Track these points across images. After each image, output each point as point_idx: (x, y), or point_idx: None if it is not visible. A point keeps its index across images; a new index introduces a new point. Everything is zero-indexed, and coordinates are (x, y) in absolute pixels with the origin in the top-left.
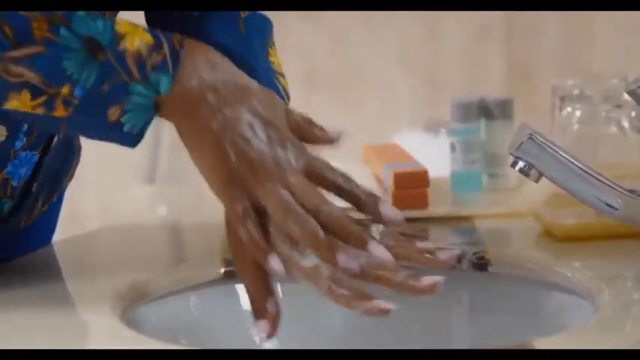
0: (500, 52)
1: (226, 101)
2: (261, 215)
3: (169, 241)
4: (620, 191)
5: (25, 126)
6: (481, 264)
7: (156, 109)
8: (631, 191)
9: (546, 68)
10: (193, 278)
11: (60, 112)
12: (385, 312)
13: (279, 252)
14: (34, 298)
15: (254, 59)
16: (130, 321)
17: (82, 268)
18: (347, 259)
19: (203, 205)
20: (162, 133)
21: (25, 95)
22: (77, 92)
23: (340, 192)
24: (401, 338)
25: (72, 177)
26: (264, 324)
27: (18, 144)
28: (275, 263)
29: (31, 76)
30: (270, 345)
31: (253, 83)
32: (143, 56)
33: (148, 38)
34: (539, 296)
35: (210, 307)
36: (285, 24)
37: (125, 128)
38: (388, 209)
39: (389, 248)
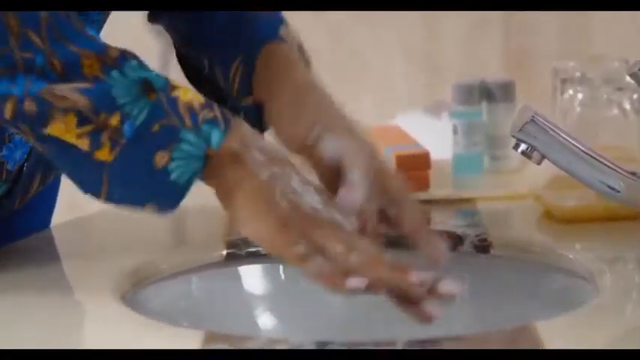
0: (499, 35)
1: (275, 161)
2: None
3: (171, 224)
4: (621, 173)
5: None
6: (483, 246)
7: (205, 161)
8: (632, 173)
9: (546, 51)
10: (195, 260)
11: (105, 152)
12: None
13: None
14: (34, 281)
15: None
16: (132, 303)
17: (83, 250)
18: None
19: (204, 187)
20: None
21: (71, 119)
22: (126, 128)
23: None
24: (403, 320)
25: None
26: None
27: None
28: (355, 282)
29: (79, 99)
30: (279, 334)
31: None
32: (195, 108)
33: (200, 98)
34: (541, 278)
35: (212, 289)
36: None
37: (172, 177)
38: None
39: None
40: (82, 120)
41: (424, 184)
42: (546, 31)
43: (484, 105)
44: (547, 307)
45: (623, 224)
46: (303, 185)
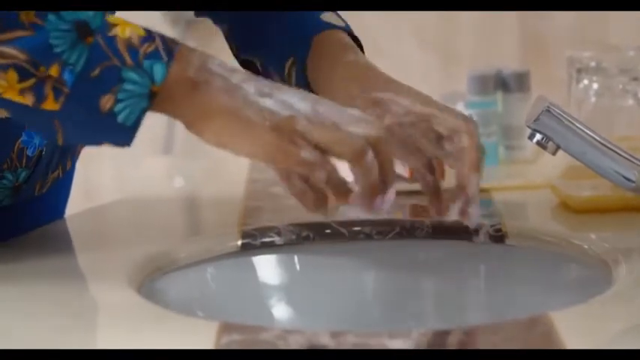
0: (514, 24)
1: (235, 73)
2: None
3: (186, 213)
4: (637, 164)
5: None
6: (498, 236)
7: (151, 98)
8: None
9: (561, 40)
10: (210, 250)
11: (50, 102)
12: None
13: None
14: (50, 271)
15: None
16: (146, 293)
17: (98, 240)
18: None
19: (220, 177)
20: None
21: (12, 75)
22: (67, 76)
23: None
24: (418, 310)
25: None
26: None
27: None
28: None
29: (16, 54)
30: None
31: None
32: (135, 44)
33: (140, 31)
34: (556, 268)
35: (227, 280)
36: None
37: (119, 118)
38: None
39: None
40: (23, 74)
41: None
42: (563, 20)
43: (499, 95)
44: (562, 296)
45: (638, 214)
46: (272, 85)
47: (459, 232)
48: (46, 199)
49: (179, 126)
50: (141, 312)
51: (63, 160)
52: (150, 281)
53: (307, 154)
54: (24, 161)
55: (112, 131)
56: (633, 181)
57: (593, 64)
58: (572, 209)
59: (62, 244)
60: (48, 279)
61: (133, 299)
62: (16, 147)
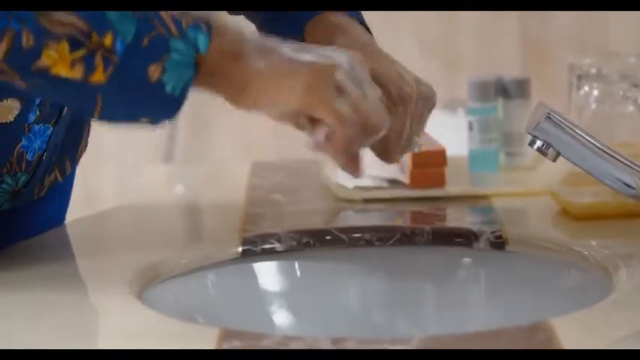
0: (515, 30)
1: (265, 48)
2: None
3: (186, 220)
4: (637, 170)
5: (38, 99)
6: (498, 243)
7: (196, 67)
8: None
9: (562, 46)
10: (210, 257)
11: (99, 74)
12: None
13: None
14: (51, 277)
15: None
16: (147, 299)
17: (99, 246)
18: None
19: (220, 184)
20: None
21: (64, 46)
22: (118, 46)
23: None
24: (419, 317)
25: (86, 145)
26: None
27: (31, 117)
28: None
29: (76, 21)
30: (294, 331)
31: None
32: (176, 15)
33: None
34: (556, 275)
35: (228, 286)
36: None
37: (167, 89)
38: None
39: None
40: (75, 45)
41: (440, 181)
42: (563, 25)
43: (500, 102)
44: (563, 303)
45: (638, 221)
46: (307, 45)
47: (460, 239)
48: (45, 205)
49: (180, 134)
50: (141, 318)
51: (60, 164)
52: (150, 288)
53: (342, 105)
54: (23, 165)
55: (159, 102)
56: (633, 188)
57: (593, 70)
58: (573, 216)
59: (62, 251)
60: (48, 285)
61: (134, 305)
62: (15, 151)
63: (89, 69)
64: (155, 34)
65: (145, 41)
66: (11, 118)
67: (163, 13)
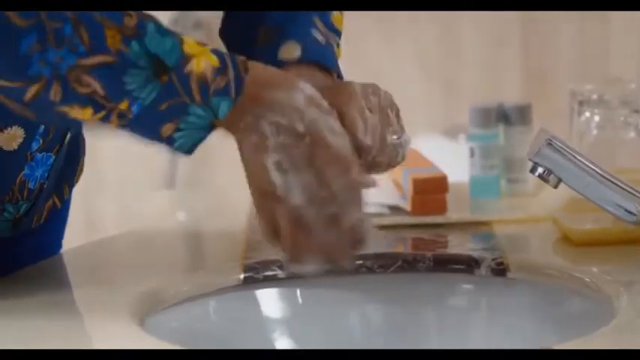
0: (516, 57)
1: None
2: None
3: (188, 247)
4: (638, 196)
5: (42, 127)
6: (500, 269)
7: (210, 129)
8: None
9: (563, 73)
10: (212, 284)
11: (114, 123)
12: None
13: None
14: (52, 304)
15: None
16: (149, 327)
17: (101, 273)
18: None
19: (222, 211)
20: None
21: (89, 110)
22: (134, 108)
23: None
24: (418, 342)
25: (82, 169)
26: None
27: (34, 145)
28: None
29: (96, 87)
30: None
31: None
32: (208, 80)
33: (215, 61)
34: (558, 301)
35: (230, 313)
36: None
37: (176, 145)
38: None
39: None
40: (97, 109)
41: (441, 208)
42: (564, 52)
43: (501, 128)
44: (564, 330)
45: (639, 247)
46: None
47: (461, 265)
48: (43, 231)
49: (181, 161)
50: (143, 345)
51: (58, 189)
52: (152, 315)
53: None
54: (25, 194)
55: (167, 148)
56: (635, 214)
57: (594, 96)
58: (574, 242)
59: (63, 278)
60: (47, 313)
61: (135, 332)
62: (18, 180)
63: (105, 121)
64: (176, 101)
65: (164, 106)
66: (15, 146)
67: (193, 77)
